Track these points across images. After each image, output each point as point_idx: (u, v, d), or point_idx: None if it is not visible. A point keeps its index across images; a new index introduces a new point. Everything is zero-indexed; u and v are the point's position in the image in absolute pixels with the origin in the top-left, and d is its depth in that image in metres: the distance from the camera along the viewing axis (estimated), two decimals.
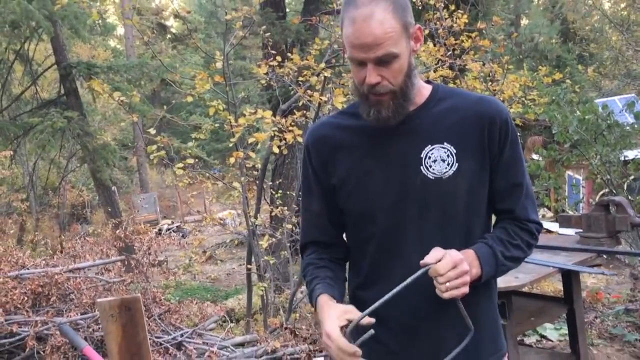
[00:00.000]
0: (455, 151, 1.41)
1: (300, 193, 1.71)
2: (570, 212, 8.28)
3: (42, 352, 3.02)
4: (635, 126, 6.07)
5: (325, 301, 1.41)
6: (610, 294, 6.46)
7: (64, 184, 15.38)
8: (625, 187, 7.34)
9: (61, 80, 11.51)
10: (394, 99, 1.38)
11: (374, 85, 1.35)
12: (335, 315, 1.33)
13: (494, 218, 1.60)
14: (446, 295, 1.31)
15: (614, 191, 5.96)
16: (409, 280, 1.30)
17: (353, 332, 1.32)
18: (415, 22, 1.40)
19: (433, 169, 1.41)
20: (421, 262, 1.32)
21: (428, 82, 1.52)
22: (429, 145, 1.42)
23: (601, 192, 7.36)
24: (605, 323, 4.61)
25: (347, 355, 1.28)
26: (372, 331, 1.28)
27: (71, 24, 10.44)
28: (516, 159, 1.49)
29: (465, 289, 1.32)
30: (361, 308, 1.51)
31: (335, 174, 1.51)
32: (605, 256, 7.53)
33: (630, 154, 6.75)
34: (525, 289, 3.85)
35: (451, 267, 1.30)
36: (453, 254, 1.32)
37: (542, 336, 4.44)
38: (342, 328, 1.31)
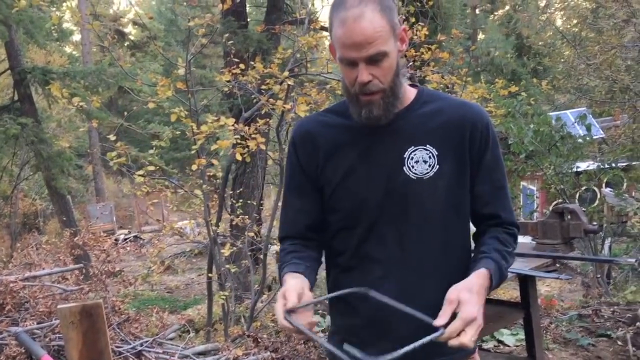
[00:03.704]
0: (437, 153, 1.45)
1: (282, 194, 1.72)
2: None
3: None
4: (587, 138, 6.29)
5: (287, 278, 1.43)
6: (563, 301, 6.65)
7: (16, 192, 14.93)
8: (577, 197, 7.60)
9: (15, 85, 11.22)
10: (384, 97, 1.41)
11: (365, 83, 1.38)
12: (292, 292, 1.34)
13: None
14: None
15: (567, 201, 6.16)
16: (425, 340, 1.23)
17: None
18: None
19: (415, 170, 1.45)
20: (435, 322, 1.27)
21: (413, 85, 1.57)
22: (412, 147, 1.46)
23: (554, 203, 7.59)
24: (560, 328, 4.74)
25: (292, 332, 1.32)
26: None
27: (27, 28, 10.21)
28: (497, 163, 1.53)
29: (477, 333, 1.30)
30: (340, 302, 1.55)
31: (320, 171, 1.54)
32: (558, 265, 7.77)
33: (582, 166, 7.00)
34: None
35: (462, 328, 1.25)
36: (465, 314, 1.25)
37: (499, 341, 4.53)
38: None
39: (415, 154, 1.46)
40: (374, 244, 1.49)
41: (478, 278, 1.38)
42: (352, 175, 1.49)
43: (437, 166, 1.45)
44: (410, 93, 1.52)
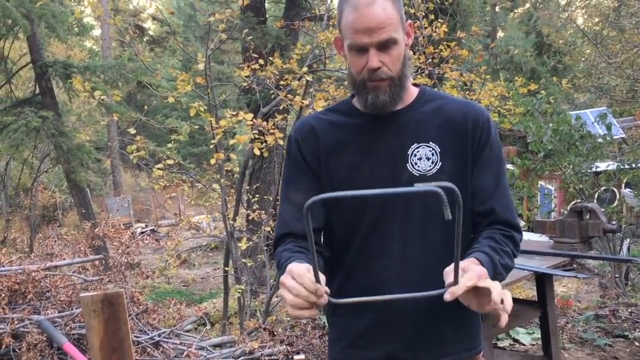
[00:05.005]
0: (439, 150, 1.46)
1: (280, 191, 1.66)
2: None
3: (18, 350, 2.99)
4: (607, 138, 6.22)
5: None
6: (580, 301, 6.61)
7: (36, 184, 15.13)
8: (596, 198, 7.52)
9: (37, 79, 11.36)
10: (391, 85, 1.43)
11: (375, 70, 1.39)
12: (302, 267, 1.25)
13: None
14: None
15: (586, 201, 6.10)
16: (433, 293, 1.22)
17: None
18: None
19: (418, 166, 1.46)
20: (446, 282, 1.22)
21: (415, 84, 1.57)
22: (415, 144, 1.47)
23: (573, 202, 7.52)
24: (576, 328, 4.71)
25: (312, 294, 1.20)
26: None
27: (48, 22, 10.32)
28: (497, 160, 1.51)
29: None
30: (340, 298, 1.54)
31: (323, 167, 1.53)
32: (576, 265, 7.70)
33: (601, 166, 6.92)
34: None
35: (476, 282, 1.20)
36: (477, 273, 1.21)
37: (515, 340, 4.52)
38: None
39: (418, 151, 1.46)
40: (378, 242, 1.48)
41: (470, 263, 1.30)
42: (355, 171, 1.49)
43: (440, 163, 1.46)
44: (412, 91, 1.54)
